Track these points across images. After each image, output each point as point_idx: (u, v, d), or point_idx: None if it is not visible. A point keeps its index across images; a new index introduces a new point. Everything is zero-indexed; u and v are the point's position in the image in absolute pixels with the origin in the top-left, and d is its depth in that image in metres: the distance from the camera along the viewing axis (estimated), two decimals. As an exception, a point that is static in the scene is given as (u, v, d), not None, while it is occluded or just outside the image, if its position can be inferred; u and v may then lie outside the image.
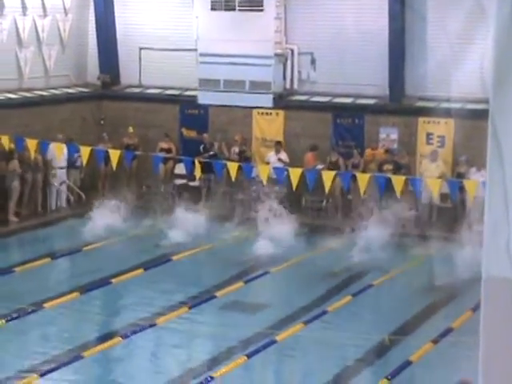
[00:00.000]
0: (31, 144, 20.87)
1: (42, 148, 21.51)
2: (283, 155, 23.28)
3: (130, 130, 24.60)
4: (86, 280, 18.32)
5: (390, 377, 13.67)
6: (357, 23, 23.58)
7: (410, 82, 23.50)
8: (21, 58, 24.58)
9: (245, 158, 23.38)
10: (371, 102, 23.70)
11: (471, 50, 20.78)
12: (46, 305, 16.78)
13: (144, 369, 14.66)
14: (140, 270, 18.95)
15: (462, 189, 20.35)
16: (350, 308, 16.97)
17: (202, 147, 24.00)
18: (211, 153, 23.65)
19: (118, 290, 18.00)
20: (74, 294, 17.40)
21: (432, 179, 20.61)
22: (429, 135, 22.83)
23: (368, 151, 23.10)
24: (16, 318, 16.12)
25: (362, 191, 21.11)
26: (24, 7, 24.54)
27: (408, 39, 23.33)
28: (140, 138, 24.65)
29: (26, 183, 22.85)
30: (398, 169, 21.99)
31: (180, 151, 24.75)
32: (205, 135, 24.50)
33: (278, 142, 23.66)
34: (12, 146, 21.55)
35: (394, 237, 21.54)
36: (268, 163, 23.02)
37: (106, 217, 23.45)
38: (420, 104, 23.11)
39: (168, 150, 24.36)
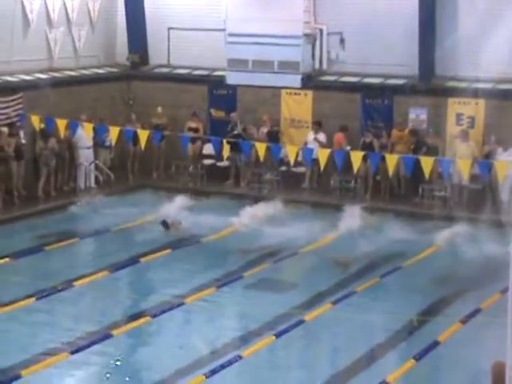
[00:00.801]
0: (61, 124, 20.98)
1: (72, 128, 21.60)
2: (321, 136, 23.23)
3: (159, 110, 24.66)
4: (115, 259, 18.47)
5: (417, 357, 13.77)
6: (387, 2, 23.55)
7: (440, 62, 23.40)
8: (51, 39, 24.70)
9: (277, 139, 23.37)
10: (401, 82, 23.61)
11: (503, 29, 20.61)
12: (75, 283, 16.98)
13: (172, 347, 14.75)
14: (168, 250, 19.08)
15: (491, 170, 20.26)
16: (379, 289, 16.98)
17: (229, 127, 24.06)
18: (235, 132, 23.67)
19: (147, 269, 18.07)
20: (104, 273, 17.59)
21: (462, 160, 20.51)
22: (459, 116, 22.72)
23: (394, 132, 23.02)
24: (47, 296, 16.34)
25: (390, 172, 21.11)
26: (54, -13, 24.73)
27: (438, 18, 23.21)
28: (169, 118, 24.74)
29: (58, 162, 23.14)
30: (420, 149, 21.98)
31: (208, 131, 24.82)
32: (232, 114, 24.55)
33: (317, 122, 23.59)
34: (42, 125, 21.67)
35: (425, 217, 21.65)
36: (306, 143, 23.12)
37: (136, 197, 23.70)
38: (450, 84, 23.00)
39: (196, 130, 24.43)
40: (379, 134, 22.90)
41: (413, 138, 22.59)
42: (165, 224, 20.06)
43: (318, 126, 23.52)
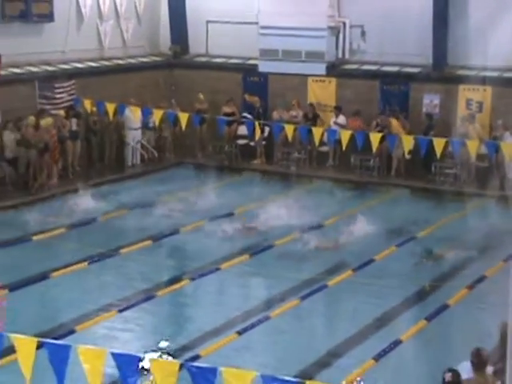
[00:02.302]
0: (110, 107, 21.09)
1: (120, 111, 21.72)
2: (340, 119, 23.25)
3: (201, 96, 24.67)
4: (157, 230, 18.57)
5: (428, 318, 13.84)
6: (403, -2, 23.48)
7: (452, 52, 23.28)
8: (101, 31, 24.80)
9: (315, 121, 23.37)
10: (416, 70, 23.54)
11: (510, 21, 20.52)
12: (122, 250, 17.14)
13: (208, 308, 14.88)
14: (203, 222, 19.15)
15: (498, 150, 20.18)
16: (395, 258, 16.96)
17: (256, 111, 24.21)
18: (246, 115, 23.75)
19: (187, 238, 18.14)
20: (147, 242, 17.72)
21: (470, 141, 20.47)
22: (468, 101, 22.64)
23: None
24: (97, 261, 16.52)
25: (406, 151, 21.10)
26: (105, -16, 24.83)
27: (451, 11, 23.10)
28: (208, 102, 24.73)
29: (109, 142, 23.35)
30: (429, 129, 22.01)
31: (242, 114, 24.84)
32: (254, 98, 24.63)
33: (337, 107, 23.60)
34: (94, 109, 21.80)
35: (435, 193, 21.66)
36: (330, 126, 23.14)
37: (176, 173, 23.83)
38: (461, 72, 22.88)
39: (231, 114, 24.45)
40: (397, 117, 22.84)
41: (426, 120, 22.57)
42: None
43: (337, 110, 23.52)
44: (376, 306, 14.62)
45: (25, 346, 8.00)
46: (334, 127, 22.48)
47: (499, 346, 9.91)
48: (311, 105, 24.09)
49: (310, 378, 7.78)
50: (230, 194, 21.62)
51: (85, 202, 20.34)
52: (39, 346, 8.04)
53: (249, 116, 23.68)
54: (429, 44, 23.19)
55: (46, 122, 21.50)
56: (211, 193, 21.57)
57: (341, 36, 24.40)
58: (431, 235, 18.40)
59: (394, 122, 22.55)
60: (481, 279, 15.58)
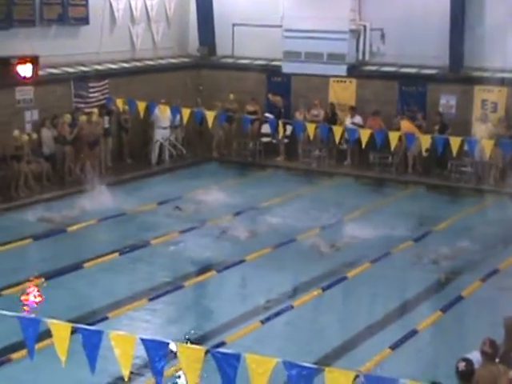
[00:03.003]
0: (141, 106, 21.17)
1: (150, 109, 21.79)
2: (356, 119, 23.24)
3: (231, 96, 24.70)
4: (184, 223, 18.59)
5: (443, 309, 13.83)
6: (421, 1, 23.32)
7: (468, 54, 23.15)
8: (133, 33, 24.88)
9: (334, 120, 23.36)
10: (433, 72, 23.45)
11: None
12: (153, 241, 17.23)
13: (234, 297, 14.95)
14: (228, 216, 19.19)
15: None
16: (413, 251, 16.90)
17: (278, 110, 24.23)
18: (268, 115, 23.72)
19: (213, 232, 18.02)
20: (175, 235, 17.79)
21: (486, 140, 20.38)
22: (483, 101, 22.55)
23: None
24: (128, 252, 16.61)
25: (423, 149, 21.06)
26: (136, -11, 24.93)
27: (467, 15, 22.95)
28: (237, 102, 24.79)
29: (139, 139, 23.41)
30: (445, 128, 21.89)
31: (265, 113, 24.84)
32: (277, 98, 24.65)
33: (352, 108, 23.59)
34: (125, 107, 21.91)
35: (451, 189, 21.61)
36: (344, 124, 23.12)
37: (203, 169, 23.88)
38: (476, 74, 22.76)
39: (254, 112, 24.48)
40: (414, 117, 22.77)
41: (440, 120, 22.48)
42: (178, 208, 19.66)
43: (353, 110, 23.50)
44: (393, 297, 14.64)
45: (60, 330, 8.07)
46: (351, 126, 22.41)
47: (505, 339, 9.89)
48: (331, 104, 24.08)
49: (329, 365, 7.80)
50: (254, 189, 21.68)
51: (116, 195, 20.47)
52: (73, 331, 8.10)
53: (270, 116, 23.68)
54: (446, 46, 23.10)
55: (89, 118, 21.79)
56: (236, 188, 21.66)
57: (361, 39, 24.34)
58: (447, 229, 18.35)
59: (405, 124, 22.43)
60: (494, 272, 15.54)
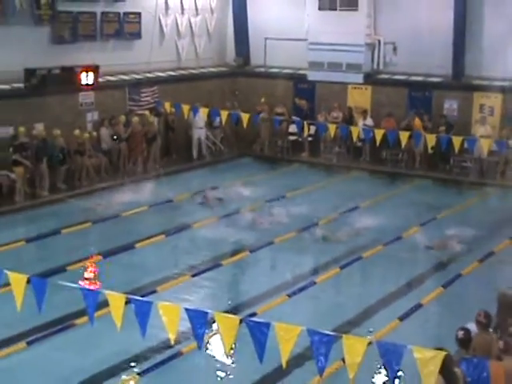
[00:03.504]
0: (185, 108, 21.20)
1: (193, 111, 21.82)
2: (368, 121, 23.05)
3: (262, 100, 24.66)
4: (221, 210, 18.62)
5: (445, 285, 13.77)
6: (428, 19, 23.08)
7: (468, 65, 22.94)
8: (179, 46, 24.88)
9: (351, 122, 23.20)
10: (438, 79, 23.24)
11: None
12: (194, 225, 17.28)
13: (264, 275, 14.96)
14: (260, 203, 19.18)
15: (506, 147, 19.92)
16: (419, 235, 16.71)
17: (303, 112, 24.14)
18: (294, 118, 23.60)
19: (247, 217, 17.95)
20: (214, 219, 17.78)
21: (484, 139, 20.22)
22: (482, 106, 22.31)
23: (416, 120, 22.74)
24: (173, 234, 16.68)
25: (429, 147, 20.91)
26: (182, 8, 24.79)
27: (468, 30, 22.72)
28: (268, 105, 24.70)
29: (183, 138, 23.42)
30: (450, 128, 21.68)
31: (292, 115, 24.77)
32: (303, 102, 24.55)
33: (364, 111, 23.44)
34: (172, 109, 21.96)
35: (453, 182, 21.45)
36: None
37: (238, 164, 23.89)
38: (476, 82, 22.52)
39: (282, 114, 24.40)
40: (422, 119, 22.61)
41: (445, 121, 22.28)
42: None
43: (364, 113, 23.33)
44: (401, 276, 14.60)
45: (116, 301, 8.14)
46: (364, 127, 22.25)
47: (498, 311, 9.84)
48: (349, 108, 23.96)
49: (346, 333, 7.80)
50: (282, 181, 21.66)
51: (163, 186, 20.54)
52: (127, 301, 8.17)
53: (296, 118, 23.59)
54: (449, 58, 22.89)
55: (141, 118, 21.94)
56: (266, 180, 21.66)
57: (376, 51, 24.17)
58: (449, 217, 18.23)
59: (417, 122, 22.34)
60: (490, 254, 15.44)
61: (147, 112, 22.56)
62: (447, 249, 15.73)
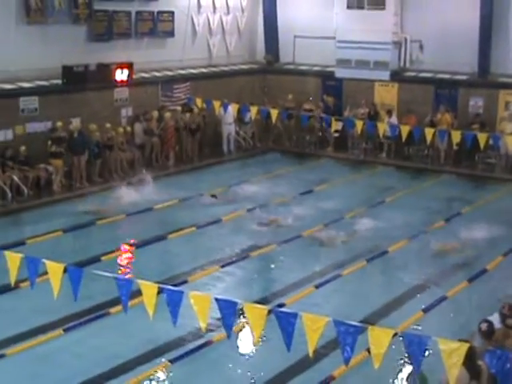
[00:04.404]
0: (216, 104, 21.22)
1: (224, 107, 21.82)
2: (392, 118, 22.75)
3: (290, 96, 24.59)
4: (251, 203, 18.54)
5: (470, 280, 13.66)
6: (455, 17, 22.92)
7: (494, 63, 22.75)
8: (211, 44, 24.94)
9: (376, 118, 23.01)
10: (464, 77, 23.03)
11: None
12: (224, 218, 17.25)
13: (292, 267, 14.92)
14: (288, 197, 19.18)
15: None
16: (444, 231, 16.68)
17: (331, 109, 24.00)
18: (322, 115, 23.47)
19: (278, 210, 18.00)
20: (242, 212, 17.75)
21: (508, 135, 20.01)
22: (507, 103, 22.06)
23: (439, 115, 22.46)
24: (202, 227, 16.63)
25: (454, 144, 20.75)
26: (214, 7, 24.84)
27: (494, 28, 22.51)
28: (295, 102, 24.61)
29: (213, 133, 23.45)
30: (483, 127, 21.44)
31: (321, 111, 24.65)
32: (330, 99, 24.42)
33: (389, 110, 23.17)
34: (204, 105, 21.99)
35: (478, 178, 21.28)
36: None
37: (267, 158, 23.87)
38: (502, 79, 22.33)
39: (310, 110, 24.33)
40: (448, 115, 22.40)
41: (479, 120, 22.01)
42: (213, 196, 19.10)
43: (389, 113, 23.01)
44: (426, 269, 14.51)
45: (148, 290, 8.17)
46: (390, 124, 22.08)
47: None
48: (373, 104, 23.76)
49: (372, 324, 7.78)
50: (309, 175, 21.60)
51: (194, 179, 20.58)
52: (159, 291, 8.20)
53: (323, 115, 23.49)
54: (475, 55, 22.70)
55: (173, 113, 21.99)
56: (293, 174, 21.64)
57: (403, 49, 24.01)
58: (473, 213, 18.08)
59: (446, 117, 22.13)
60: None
61: (179, 108, 22.61)
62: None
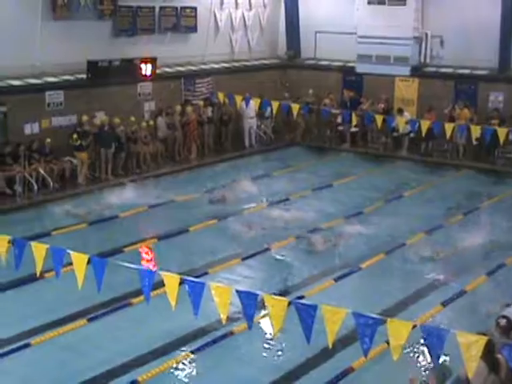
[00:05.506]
0: (238, 99, 21.19)
1: (246, 101, 21.77)
2: (405, 115, 22.44)
3: (310, 91, 24.49)
4: (272, 195, 18.53)
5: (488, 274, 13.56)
6: (476, 13, 22.68)
7: (514, 58, 22.60)
8: (233, 39, 24.93)
9: (391, 113, 22.85)
10: (484, 72, 22.84)
11: None
12: (245, 211, 17.26)
13: (311, 259, 14.84)
14: (307, 190, 19.14)
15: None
16: (462, 225, 16.49)
17: (352, 104, 23.87)
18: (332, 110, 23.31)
19: (296, 202, 18.11)
20: (264, 204, 17.79)
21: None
22: (527, 98, 21.95)
23: (458, 110, 22.23)
24: (224, 219, 16.64)
25: (473, 138, 20.59)
26: (236, 3, 24.78)
27: (515, 24, 22.36)
28: (316, 97, 24.51)
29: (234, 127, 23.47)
30: (502, 122, 21.22)
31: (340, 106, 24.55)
32: (351, 94, 24.25)
33: (400, 109, 22.90)
34: (226, 100, 21.97)
35: (497, 173, 21.12)
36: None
37: (288, 152, 23.83)
38: (522, 75, 22.21)
39: (331, 105, 24.19)
40: (468, 110, 22.22)
41: (495, 114, 21.77)
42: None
43: (400, 111, 22.67)
44: (445, 262, 14.41)
45: (171, 281, 8.19)
46: (410, 119, 21.86)
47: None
48: (386, 100, 23.52)
49: (391, 317, 7.74)
50: (329, 169, 21.52)
51: (216, 172, 20.58)
52: (181, 282, 8.21)
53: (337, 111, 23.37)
54: (496, 51, 22.50)
55: (194, 107, 21.95)
56: (313, 168, 21.59)
57: (423, 44, 23.81)
58: (492, 207, 17.93)
59: (466, 111, 21.96)
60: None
61: (201, 102, 22.63)
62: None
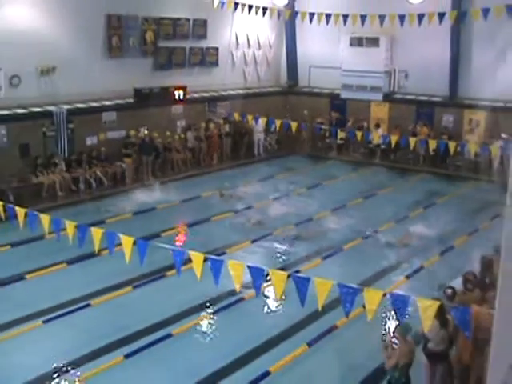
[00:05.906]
0: (249, 118, 21.13)
1: (255, 120, 21.66)
2: (380, 130, 22.39)
3: (305, 112, 24.39)
4: (278, 194, 18.46)
5: (441, 254, 13.41)
6: (431, 53, 22.39)
7: (461, 89, 22.36)
8: (246, 72, 24.85)
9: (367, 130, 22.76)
10: (438, 99, 22.69)
11: (505, 68, 19.63)
12: (256, 205, 17.05)
13: (306, 243, 14.80)
14: (303, 189, 19.06)
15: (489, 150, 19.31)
16: (423, 217, 16.45)
17: (337, 122, 23.69)
18: (322, 126, 23.03)
19: (297, 199, 18.00)
20: (269, 201, 17.69)
21: (471, 144, 19.73)
22: (470, 120, 21.73)
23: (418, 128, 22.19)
24: (238, 212, 16.44)
25: (431, 149, 20.49)
26: (249, 44, 24.73)
27: (461, 62, 22.13)
28: (309, 116, 24.43)
29: (247, 140, 23.37)
30: (452, 138, 21.09)
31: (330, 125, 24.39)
32: (336, 114, 23.96)
33: (377, 124, 22.81)
34: (240, 118, 21.89)
35: (449, 176, 20.97)
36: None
37: (288, 160, 23.70)
38: (466, 102, 21.96)
39: (321, 123, 24.09)
40: (426, 128, 22.13)
41: (448, 132, 21.67)
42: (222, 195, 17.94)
43: (377, 126, 22.65)
44: (411, 246, 14.33)
45: (197, 258, 8.17)
46: (382, 134, 21.71)
47: (480, 271, 9.59)
48: (359, 120, 23.29)
49: (367, 286, 7.74)
50: (320, 172, 21.42)
51: (233, 175, 20.56)
52: (205, 259, 8.19)
53: (327, 127, 23.25)
54: (447, 82, 22.40)
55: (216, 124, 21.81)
56: (309, 172, 21.50)
57: (392, 77, 23.71)
58: (445, 203, 17.88)
59: (424, 129, 21.89)
60: (474, 231, 15.02)
61: (221, 120, 22.60)
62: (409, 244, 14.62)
